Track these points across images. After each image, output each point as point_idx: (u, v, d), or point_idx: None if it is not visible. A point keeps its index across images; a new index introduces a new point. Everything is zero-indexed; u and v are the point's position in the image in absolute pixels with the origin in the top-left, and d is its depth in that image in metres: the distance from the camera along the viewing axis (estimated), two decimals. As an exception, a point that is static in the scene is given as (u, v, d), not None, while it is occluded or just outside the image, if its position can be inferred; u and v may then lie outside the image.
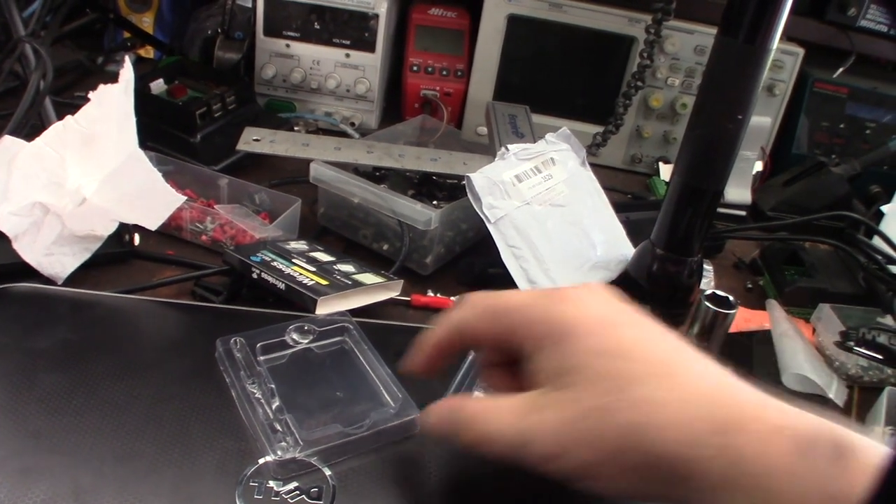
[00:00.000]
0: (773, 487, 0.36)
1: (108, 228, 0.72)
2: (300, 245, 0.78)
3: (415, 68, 1.10)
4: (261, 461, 0.51)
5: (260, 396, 0.56)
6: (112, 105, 0.72)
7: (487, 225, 0.77)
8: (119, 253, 0.76)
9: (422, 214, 0.76)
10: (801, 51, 1.10)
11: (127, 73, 0.72)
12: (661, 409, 0.39)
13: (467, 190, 0.77)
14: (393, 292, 0.74)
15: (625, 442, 0.39)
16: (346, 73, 1.06)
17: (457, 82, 1.10)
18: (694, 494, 0.38)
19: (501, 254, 0.77)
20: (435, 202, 0.85)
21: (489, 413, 0.45)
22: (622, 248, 0.85)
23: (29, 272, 0.70)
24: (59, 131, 0.75)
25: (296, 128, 1.04)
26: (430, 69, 1.10)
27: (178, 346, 0.62)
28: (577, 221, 0.83)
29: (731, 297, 0.74)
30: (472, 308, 0.48)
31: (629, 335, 0.44)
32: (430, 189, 0.87)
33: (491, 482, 0.54)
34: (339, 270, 0.73)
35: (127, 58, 0.72)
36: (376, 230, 0.82)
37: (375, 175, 0.87)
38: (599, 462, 0.40)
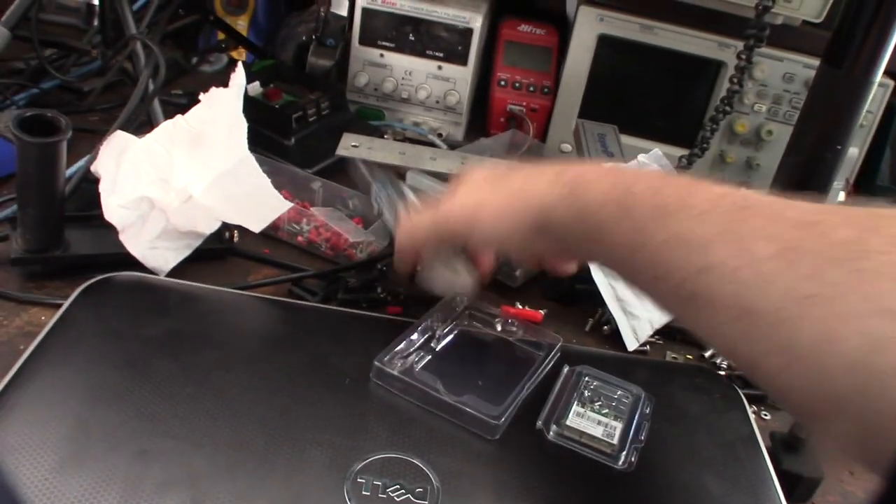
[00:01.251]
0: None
1: (211, 227, 0.74)
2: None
3: (502, 83, 1.11)
4: (369, 458, 0.52)
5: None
6: (222, 108, 0.75)
7: (579, 241, 0.78)
8: (219, 249, 0.79)
9: (515, 227, 0.77)
10: (891, 82, 1.09)
11: (238, 78, 0.75)
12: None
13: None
14: None
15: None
16: (437, 84, 1.08)
17: (543, 98, 1.11)
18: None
19: (591, 270, 0.78)
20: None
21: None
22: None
23: (132, 263, 0.72)
24: (169, 129, 0.77)
25: (385, 136, 1.06)
26: (517, 84, 1.11)
27: (284, 341, 0.64)
28: (665, 243, 0.83)
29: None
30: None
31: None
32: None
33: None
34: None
35: (240, 64, 0.74)
36: (467, 240, 0.84)
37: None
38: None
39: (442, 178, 0.84)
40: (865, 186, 1.15)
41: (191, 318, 0.65)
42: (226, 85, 0.78)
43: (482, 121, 1.15)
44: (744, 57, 0.99)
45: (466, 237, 0.61)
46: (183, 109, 0.80)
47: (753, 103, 1.09)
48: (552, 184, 0.54)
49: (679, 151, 1.06)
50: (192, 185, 0.74)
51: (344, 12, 1.12)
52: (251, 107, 0.96)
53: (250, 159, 0.71)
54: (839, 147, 0.74)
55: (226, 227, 0.77)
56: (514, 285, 0.83)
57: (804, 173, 0.76)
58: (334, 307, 0.71)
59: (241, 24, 1.20)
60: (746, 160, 1.13)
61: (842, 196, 1.09)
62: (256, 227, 0.72)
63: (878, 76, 0.71)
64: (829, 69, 0.73)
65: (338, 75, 1.12)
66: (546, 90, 1.12)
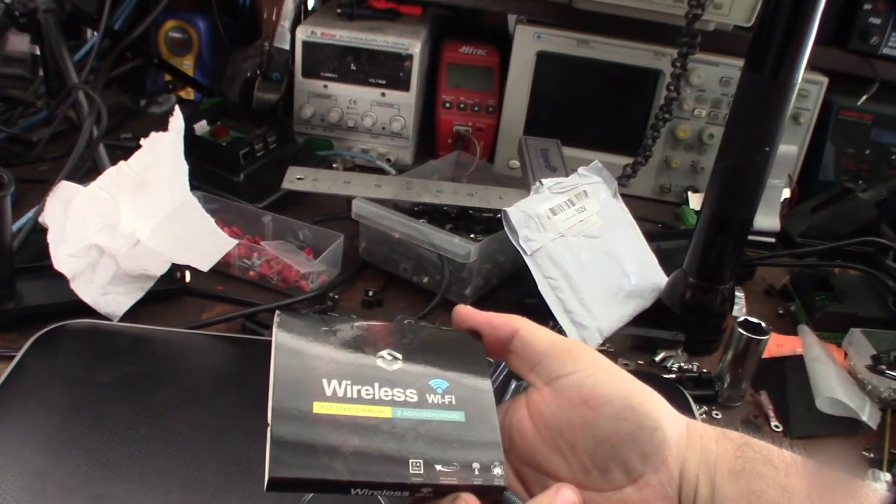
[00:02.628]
0: None
1: (161, 269, 0.75)
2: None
3: (447, 105, 1.13)
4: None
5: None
6: (163, 152, 0.76)
7: (524, 257, 0.79)
8: (171, 290, 0.80)
9: (461, 248, 0.79)
10: (824, 79, 1.12)
11: (177, 121, 0.76)
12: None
13: (504, 223, 0.80)
14: None
15: None
16: (381, 111, 1.10)
17: (488, 117, 1.14)
18: None
19: (538, 285, 0.79)
20: (472, 235, 0.87)
21: None
22: (655, 277, 0.87)
23: (86, 310, 0.73)
24: (113, 176, 0.78)
25: (334, 165, 1.08)
26: (462, 105, 1.13)
27: (235, 378, 0.65)
28: (611, 252, 0.85)
29: (763, 324, 0.76)
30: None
31: None
32: (467, 223, 0.90)
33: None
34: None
35: (177, 108, 0.75)
36: (416, 263, 0.85)
37: (414, 210, 0.90)
38: None
39: (387, 204, 0.86)
40: (809, 182, 1.18)
41: (143, 360, 0.66)
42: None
43: (430, 144, 1.17)
44: (678, 64, 1.02)
45: None
46: (132, 153, 0.81)
47: (693, 108, 1.12)
48: None
49: (624, 160, 1.08)
50: (140, 229, 0.75)
51: (287, 46, 1.14)
52: (199, 145, 0.97)
53: (193, 201, 0.72)
54: (767, 149, 0.76)
55: (176, 267, 0.78)
56: (465, 303, 0.84)
57: (737, 177, 0.79)
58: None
59: (187, 64, 1.22)
60: (691, 164, 1.15)
61: (786, 192, 1.12)
62: (205, 266, 0.73)
63: (799, 78, 0.73)
64: (751, 74, 0.75)
65: (285, 108, 1.13)
66: (490, 109, 1.14)
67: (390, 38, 1.05)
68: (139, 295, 0.76)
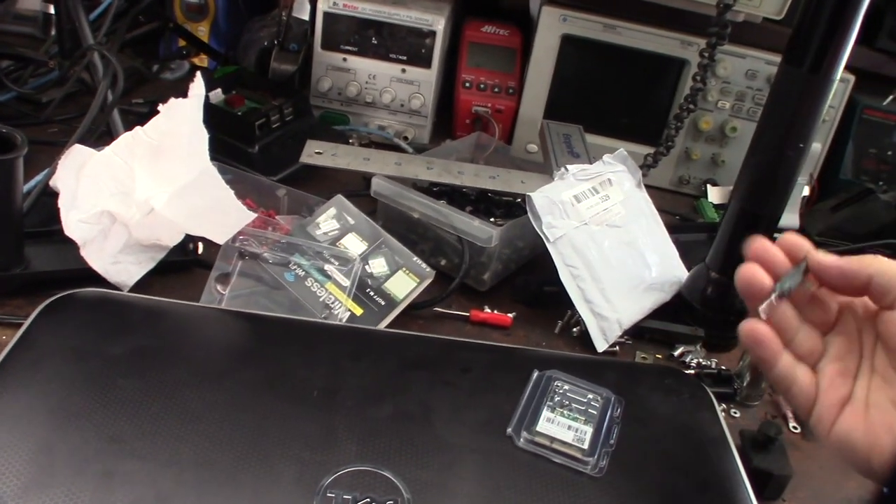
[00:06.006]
0: None
1: (175, 239, 0.73)
2: (329, 228, 0.78)
3: (467, 85, 1.11)
4: (339, 472, 0.52)
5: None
6: (182, 119, 0.74)
7: (546, 244, 0.78)
8: (183, 261, 0.78)
9: (483, 231, 0.77)
10: (851, 77, 1.10)
11: (197, 87, 0.74)
12: None
13: (527, 208, 0.78)
14: (425, 283, 0.75)
15: None
16: (401, 87, 1.07)
17: (508, 99, 1.11)
18: None
19: (559, 273, 0.78)
20: (492, 219, 0.85)
21: None
22: (676, 271, 0.85)
23: (95, 278, 0.71)
24: (129, 142, 0.76)
25: (350, 140, 1.06)
26: (482, 86, 1.11)
27: (250, 355, 0.63)
28: (633, 242, 0.83)
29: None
30: None
31: None
32: (487, 206, 0.88)
33: None
34: (371, 279, 0.74)
35: (198, 74, 0.73)
36: (434, 245, 0.83)
37: (433, 191, 0.88)
38: None
39: (405, 182, 0.84)
40: (829, 181, 1.16)
41: (155, 333, 0.64)
42: (186, 93, 0.77)
43: (448, 123, 1.15)
44: (706, 55, 1.00)
45: None
46: (144, 118, 0.79)
47: (717, 100, 1.10)
48: None
49: (644, 149, 1.06)
50: (154, 197, 0.73)
51: (306, 16, 1.11)
52: (213, 114, 0.94)
53: (212, 170, 0.70)
54: (801, 145, 0.74)
55: (189, 238, 0.76)
56: (482, 289, 0.82)
57: (768, 172, 0.77)
58: (300, 318, 0.70)
59: (202, 30, 1.19)
60: (711, 157, 1.13)
61: (806, 190, 1.10)
62: (221, 238, 0.71)
63: (839, 74, 0.72)
64: (789, 68, 0.73)
65: (301, 80, 1.11)
66: (511, 91, 1.12)
67: (414, 13, 1.03)
68: (150, 265, 0.74)
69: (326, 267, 0.74)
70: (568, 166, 0.82)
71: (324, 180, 0.97)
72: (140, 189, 0.74)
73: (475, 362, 0.65)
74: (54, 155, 0.76)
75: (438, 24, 1.03)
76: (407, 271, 0.75)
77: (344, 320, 0.71)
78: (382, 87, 1.07)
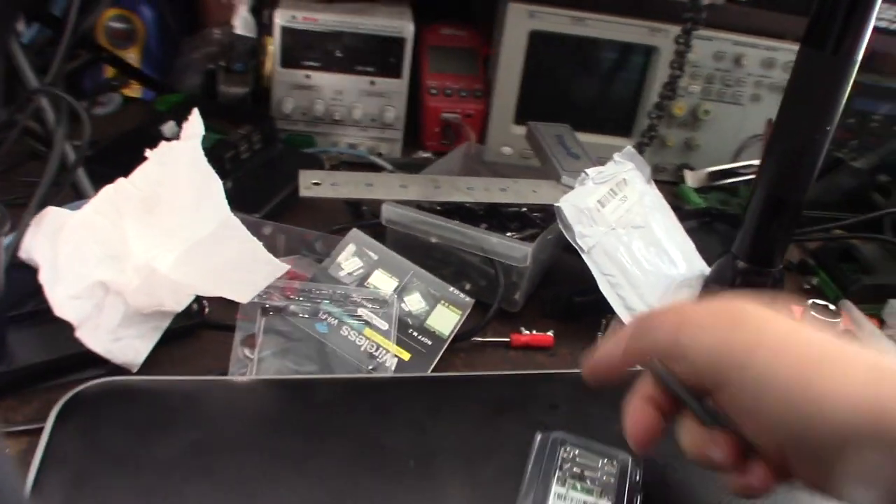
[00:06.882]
0: None
1: (182, 303, 0.64)
2: (353, 267, 0.71)
3: (433, 91, 1.05)
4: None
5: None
6: (178, 164, 0.65)
7: (582, 255, 0.73)
8: (188, 326, 0.69)
9: (517, 251, 0.72)
10: (807, 49, 1.10)
11: (194, 126, 0.65)
12: None
13: (558, 219, 0.74)
14: (466, 313, 0.70)
15: None
16: (370, 101, 1.00)
17: (476, 103, 1.06)
18: None
19: (598, 283, 0.73)
20: (509, 234, 0.80)
21: None
22: (698, 263, 0.83)
23: (93, 360, 0.62)
24: (112, 197, 0.66)
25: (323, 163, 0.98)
26: (448, 91, 1.05)
27: (318, 431, 0.55)
28: (656, 241, 0.80)
29: (831, 305, 0.74)
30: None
31: None
32: (500, 220, 0.83)
33: None
34: (411, 317, 0.68)
35: (195, 111, 0.64)
36: (456, 269, 0.77)
37: (437, 210, 0.82)
38: None
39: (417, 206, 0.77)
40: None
41: (197, 421, 0.55)
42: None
43: (414, 134, 1.08)
44: (682, 41, 0.98)
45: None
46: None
47: (687, 85, 1.08)
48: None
49: (621, 141, 1.03)
50: (156, 258, 0.64)
51: (248, 32, 1.02)
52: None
53: (234, 221, 0.62)
54: (828, 128, 0.73)
55: (196, 299, 0.67)
56: (514, 310, 0.77)
57: (795, 157, 0.75)
58: (353, 376, 0.62)
59: (132, 57, 1.07)
60: (685, 141, 1.12)
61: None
62: (245, 297, 0.62)
63: (861, 54, 0.70)
64: (811, 51, 0.71)
65: (254, 102, 1.02)
66: (478, 94, 1.06)
67: (380, 21, 0.96)
68: (156, 336, 0.64)
69: (360, 311, 0.66)
70: (588, 170, 0.78)
71: (307, 211, 0.88)
72: (136, 250, 0.65)
73: (557, 396, 0.60)
74: (14, 218, 0.65)
75: (408, 29, 0.96)
76: (446, 304, 0.69)
77: (393, 368, 0.64)
78: (351, 103, 0.99)
